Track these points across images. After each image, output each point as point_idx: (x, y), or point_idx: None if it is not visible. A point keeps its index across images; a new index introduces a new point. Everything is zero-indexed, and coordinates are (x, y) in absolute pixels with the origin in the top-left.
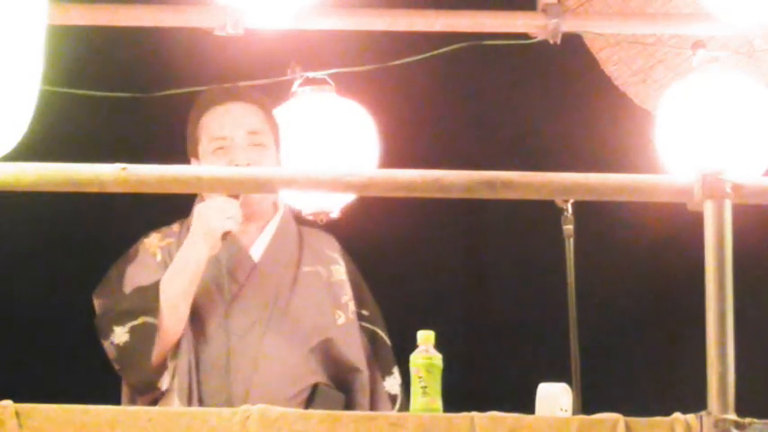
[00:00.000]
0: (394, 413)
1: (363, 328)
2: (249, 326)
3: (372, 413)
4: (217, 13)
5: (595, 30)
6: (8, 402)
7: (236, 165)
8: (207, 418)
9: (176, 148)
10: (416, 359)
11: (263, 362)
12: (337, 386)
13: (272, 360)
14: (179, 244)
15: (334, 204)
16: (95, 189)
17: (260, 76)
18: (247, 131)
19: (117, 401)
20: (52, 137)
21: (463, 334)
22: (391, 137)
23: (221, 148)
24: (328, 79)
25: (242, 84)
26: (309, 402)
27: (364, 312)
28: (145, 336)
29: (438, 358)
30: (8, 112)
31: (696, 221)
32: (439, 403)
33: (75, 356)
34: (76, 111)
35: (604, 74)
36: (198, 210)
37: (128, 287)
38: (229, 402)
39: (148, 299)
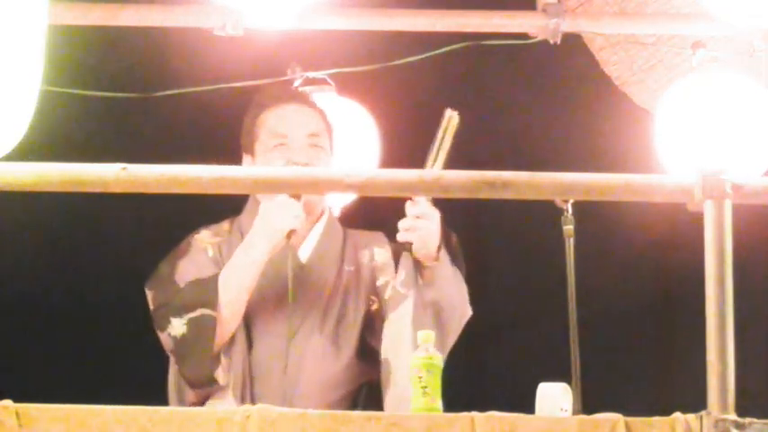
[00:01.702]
0: (394, 413)
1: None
2: (296, 328)
3: (372, 413)
4: (217, 13)
5: (595, 30)
6: (8, 402)
7: (294, 163)
8: (207, 418)
9: (176, 148)
10: (416, 359)
11: (310, 366)
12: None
13: (318, 364)
14: (230, 242)
15: (335, 204)
16: (96, 189)
17: (260, 76)
18: (308, 133)
19: (119, 401)
20: (52, 137)
21: (463, 334)
22: (391, 137)
23: (281, 144)
24: (328, 79)
25: (243, 84)
26: (355, 404)
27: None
28: (204, 328)
29: (438, 358)
30: (8, 112)
31: (696, 221)
32: (439, 403)
33: (76, 356)
34: (76, 111)
35: (604, 74)
36: (263, 208)
37: (182, 281)
38: (278, 404)
39: (207, 291)
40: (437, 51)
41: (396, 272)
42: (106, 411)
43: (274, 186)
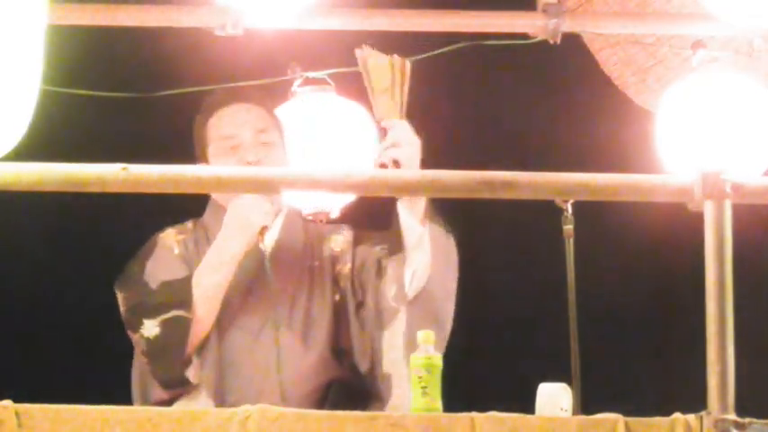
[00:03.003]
0: (394, 413)
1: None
2: (262, 325)
3: (372, 413)
4: (217, 13)
5: (595, 30)
6: (8, 402)
7: (247, 162)
8: (206, 418)
9: (176, 148)
10: (416, 359)
11: (279, 361)
12: (354, 375)
13: (287, 359)
14: (195, 240)
15: (334, 204)
16: (96, 189)
17: (260, 76)
18: (255, 130)
19: (117, 401)
20: (52, 137)
21: (463, 334)
22: None
23: (231, 147)
24: (328, 79)
25: (242, 84)
26: (324, 399)
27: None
28: (177, 329)
29: (438, 358)
30: (8, 112)
31: (696, 221)
32: (439, 403)
33: (76, 356)
34: (76, 111)
35: (604, 74)
36: (233, 205)
37: (152, 281)
38: (243, 402)
39: (181, 292)
40: (437, 51)
41: (351, 259)
42: (105, 411)
43: (274, 186)
